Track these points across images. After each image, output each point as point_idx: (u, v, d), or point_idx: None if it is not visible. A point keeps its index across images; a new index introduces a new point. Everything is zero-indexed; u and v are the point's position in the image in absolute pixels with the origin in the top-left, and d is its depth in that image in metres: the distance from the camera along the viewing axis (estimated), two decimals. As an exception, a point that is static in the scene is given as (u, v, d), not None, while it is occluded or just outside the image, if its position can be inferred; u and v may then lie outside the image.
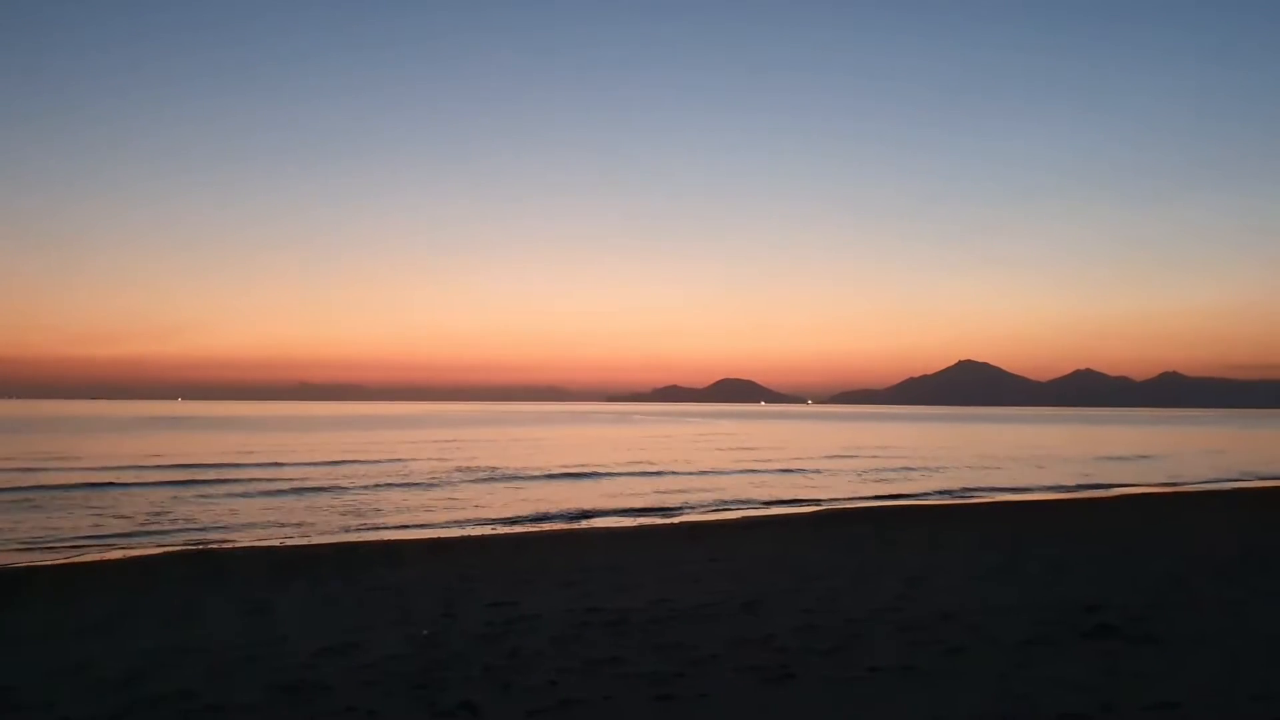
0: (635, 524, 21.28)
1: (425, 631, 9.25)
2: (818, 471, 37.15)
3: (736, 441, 64.29)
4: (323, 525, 20.65)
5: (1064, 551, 14.97)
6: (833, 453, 49.99)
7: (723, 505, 25.25)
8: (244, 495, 26.39)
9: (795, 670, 7.62)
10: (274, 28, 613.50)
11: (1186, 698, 6.77)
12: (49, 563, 15.85)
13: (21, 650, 9.00)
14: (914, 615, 9.75)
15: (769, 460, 43.65)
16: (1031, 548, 15.51)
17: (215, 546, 17.59)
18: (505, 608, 10.43)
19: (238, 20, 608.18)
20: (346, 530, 19.96)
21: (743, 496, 27.34)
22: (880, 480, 33.70)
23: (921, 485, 31.78)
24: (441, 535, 19.26)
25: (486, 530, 20.20)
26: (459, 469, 36.33)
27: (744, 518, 22.66)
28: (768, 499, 26.72)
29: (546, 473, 34.80)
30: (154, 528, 19.98)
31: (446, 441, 59.68)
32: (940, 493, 29.17)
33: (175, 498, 25.39)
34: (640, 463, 40.79)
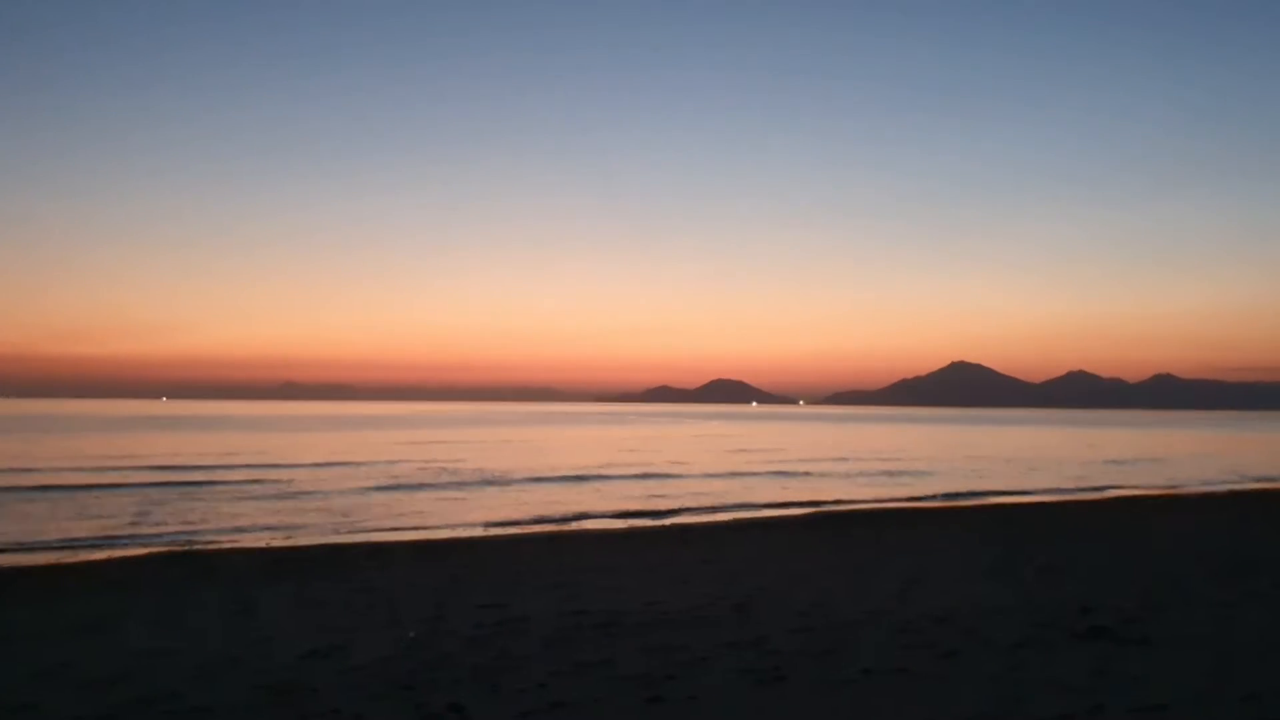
0: (626, 526, 21.22)
1: (412, 633, 9.18)
2: (810, 473, 37.13)
3: (728, 443, 64.28)
4: (310, 526, 20.54)
5: (1058, 554, 14.97)
6: (825, 454, 50.01)
7: (714, 507, 25.20)
8: (230, 496, 26.25)
9: (787, 672, 7.58)
10: (264, 30, 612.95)
11: (1176, 699, 6.76)
12: (34, 563, 15.72)
13: (7, 651, 8.90)
14: (907, 617, 9.72)
15: (761, 461, 43.63)
16: (1025, 550, 15.52)
17: (201, 547, 17.49)
18: (494, 609, 10.37)
19: (222, 22, 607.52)
20: (334, 531, 19.86)
21: (734, 498, 27.29)
22: (873, 482, 33.70)
23: (915, 487, 31.77)
24: (430, 537, 19.17)
25: (475, 532, 20.12)
26: (447, 470, 36.22)
27: (736, 519, 22.61)
28: (760, 501, 26.68)
29: (536, 474, 34.72)
30: (139, 528, 19.84)
31: (434, 442, 59.54)
32: (934, 495, 29.17)
33: (160, 498, 25.25)
34: (631, 464, 40.72)
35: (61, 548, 17.34)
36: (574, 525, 21.26)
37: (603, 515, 23.05)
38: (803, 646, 8.46)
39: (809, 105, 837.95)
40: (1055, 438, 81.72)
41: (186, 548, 17.43)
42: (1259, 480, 36.89)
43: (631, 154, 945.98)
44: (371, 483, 30.61)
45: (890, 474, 37.12)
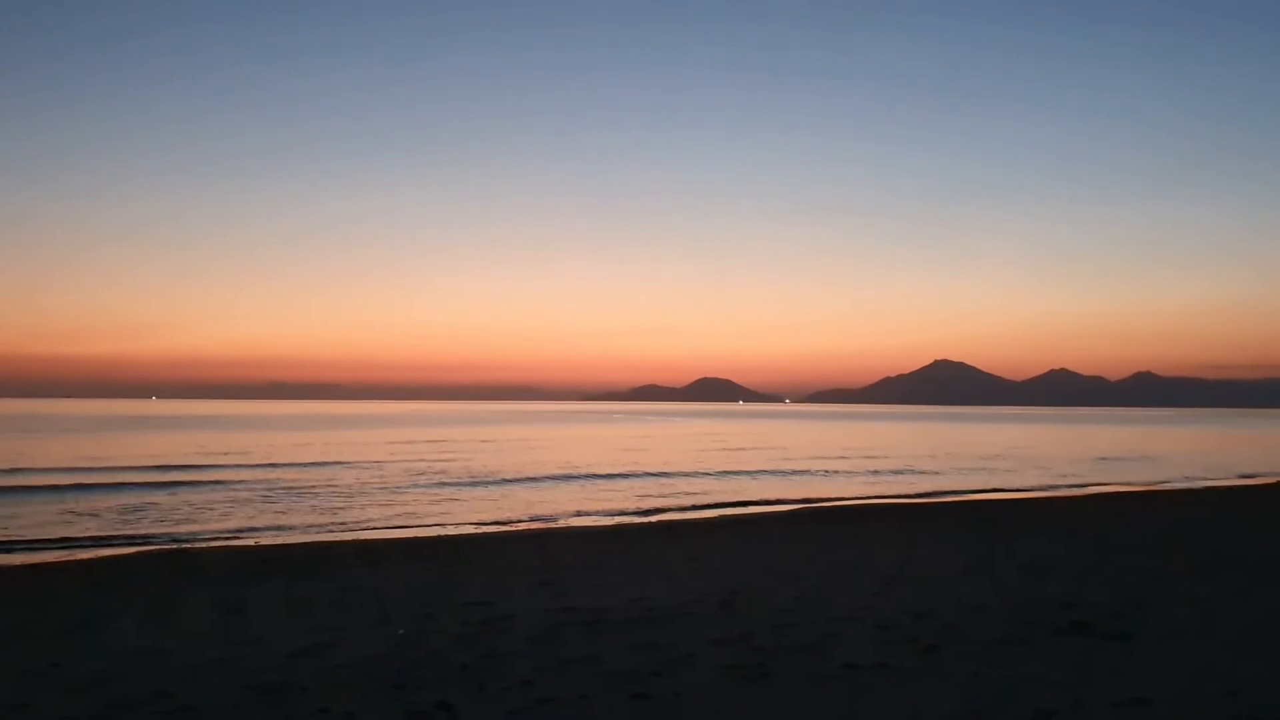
0: (613, 523, 21.29)
1: (400, 631, 9.23)
2: (796, 471, 37.27)
3: (715, 441, 64.40)
4: (298, 525, 20.54)
5: (1040, 550, 15.11)
6: (811, 451, 50.18)
7: (701, 504, 25.30)
8: (219, 495, 26.19)
9: (772, 668, 7.66)
10: (264, 30, 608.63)
11: (1157, 694, 6.87)
12: (22, 563, 15.68)
13: (-8, 652, 8.89)
14: (890, 613, 9.81)
15: (747, 459, 43.76)
16: (1007, 546, 15.65)
17: (190, 546, 17.46)
18: (482, 607, 10.41)
19: (216, 24, 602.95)
20: (322, 530, 19.86)
21: (721, 495, 27.40)
22: (857, 479, 33.86)
23: (898, 484, 31.95)
24: (417, 535, 19.20)
25: (463, 530, 20.15)
26: (434, 469, 36.20)
27: (722, 516, 22.72)
28: (746, 498, 26.79)
29: (523, 472, 34.74)
30: (128, 528, 19.82)
31: (421, 441, 59.45)
32: (917, 492, 29.33)
33: (149, 498, 25.17)
34: (618, 462, 40.78)
35: (50, 547, 17.29)
36: (561, 523, 21.31)
37: (589, 513, 23.11)
38: (787, 642, 8.55)
39: (796, 105, 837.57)
40: (1037, 435, 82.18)
41: (175, 547, 17.41)
42: (1240, 476, 37.24)
43: (619, 153, 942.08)
44: (359, 481, 30.59)
45: (874, 471, 37.29)
